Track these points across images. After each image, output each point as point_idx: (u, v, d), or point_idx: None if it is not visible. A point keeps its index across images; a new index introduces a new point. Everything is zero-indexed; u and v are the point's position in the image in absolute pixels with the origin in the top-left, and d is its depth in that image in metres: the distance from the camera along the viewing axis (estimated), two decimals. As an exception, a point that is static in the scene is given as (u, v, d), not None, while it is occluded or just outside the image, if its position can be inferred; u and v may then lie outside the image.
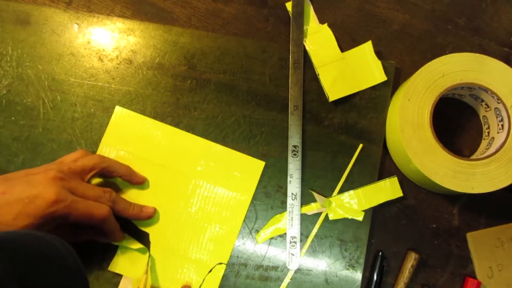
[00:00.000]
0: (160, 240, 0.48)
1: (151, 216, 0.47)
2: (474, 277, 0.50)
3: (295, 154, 0.50)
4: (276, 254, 0.49)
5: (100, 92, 0.50)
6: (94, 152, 0.49)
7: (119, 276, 0.47)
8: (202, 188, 0.49)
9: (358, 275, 0.49)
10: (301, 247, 0.49)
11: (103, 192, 0.43)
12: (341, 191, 0.50)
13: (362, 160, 0.50)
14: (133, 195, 0.48)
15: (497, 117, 0.48)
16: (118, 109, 0.49)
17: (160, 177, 0.49)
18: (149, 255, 0.47)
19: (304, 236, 0.49)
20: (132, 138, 0.49)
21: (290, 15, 0.51)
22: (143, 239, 0.48)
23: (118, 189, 0.48)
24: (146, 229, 0.48)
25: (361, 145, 0.51)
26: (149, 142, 0.49)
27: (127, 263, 0.47)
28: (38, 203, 0.37)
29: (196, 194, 0.49)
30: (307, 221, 0.49)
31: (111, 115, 0.49)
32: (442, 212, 0.51)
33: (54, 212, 0.38)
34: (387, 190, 0.50)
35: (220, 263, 0.48)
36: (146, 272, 0.46)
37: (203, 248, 0.48)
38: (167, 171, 0.49)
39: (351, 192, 0.50)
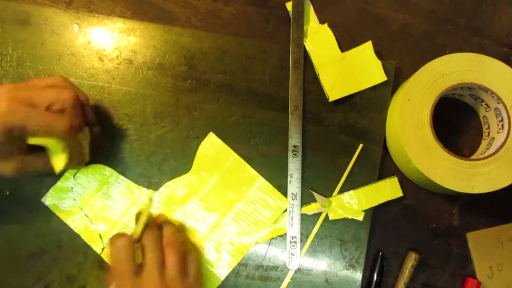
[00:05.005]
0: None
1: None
2: (474, 277, 0.50)
3: (295, 154, 0.50)
4: (276, 254, 0.49)
5: (100, 92, 0.50)
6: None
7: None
8: (239, 211, 0.49)
9: (358, 275, 0.49)
10: (301, 247, 0.49)
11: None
12: (341, 191, 0.50)
13: (362, 160, 0.50)
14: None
15: (497, 117, 0.48)
16: (211, 135, 0.50)
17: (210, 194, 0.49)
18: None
19: (304, 236, 0.49)
20: (212, 164, 0.50)
21: (290, 15, 0.51)
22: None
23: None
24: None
25: (361, 145, 0.51)
26: (219, 165, 0.50)
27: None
28: None
29: (232, 217, 0.49)
30: (307, 221, 0.49)
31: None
32: (442, 212, 0.51)
33: (6, 123, 0.37)
34: (387, 190, 0.50)
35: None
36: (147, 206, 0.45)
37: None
38: (217, 192, 0.49)
39: (351, 192, 0.50)
